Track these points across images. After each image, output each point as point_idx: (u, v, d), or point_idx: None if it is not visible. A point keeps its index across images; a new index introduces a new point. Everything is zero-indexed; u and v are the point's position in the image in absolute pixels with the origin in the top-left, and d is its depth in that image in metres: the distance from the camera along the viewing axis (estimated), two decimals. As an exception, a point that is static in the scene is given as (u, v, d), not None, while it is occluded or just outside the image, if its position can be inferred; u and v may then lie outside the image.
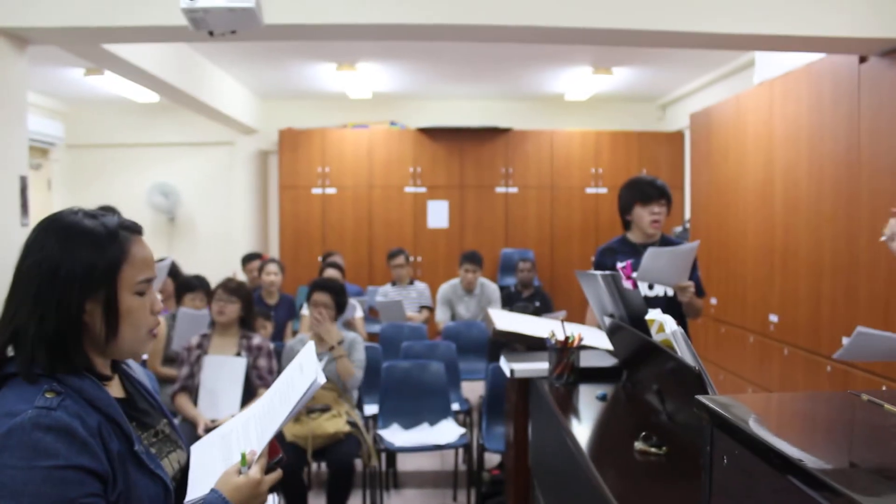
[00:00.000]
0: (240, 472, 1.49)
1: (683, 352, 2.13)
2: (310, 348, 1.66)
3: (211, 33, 3.61)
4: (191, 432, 3.81)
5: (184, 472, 1.60)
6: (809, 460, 1.15)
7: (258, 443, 1.54)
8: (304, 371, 1.60)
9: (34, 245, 1.40)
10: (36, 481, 1.25)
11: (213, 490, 1.48)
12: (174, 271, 5.17)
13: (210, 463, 1.59)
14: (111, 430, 1.36)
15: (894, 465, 1.22)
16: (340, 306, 4.43)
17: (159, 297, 1.57)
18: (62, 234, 1.40)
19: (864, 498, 0.98)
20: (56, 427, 1.29)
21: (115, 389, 1.49)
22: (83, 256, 1.38)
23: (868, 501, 0.98)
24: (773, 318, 5.13)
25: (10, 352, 1.39)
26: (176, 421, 1.82)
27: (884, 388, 3.95)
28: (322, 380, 1.54)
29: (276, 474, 1.55)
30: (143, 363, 4.68)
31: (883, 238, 2.92)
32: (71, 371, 1.37)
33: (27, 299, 1.37)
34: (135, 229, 1.48)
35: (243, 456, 1.50)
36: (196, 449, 1.66)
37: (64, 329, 1.37)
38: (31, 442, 1.26)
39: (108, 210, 1.68)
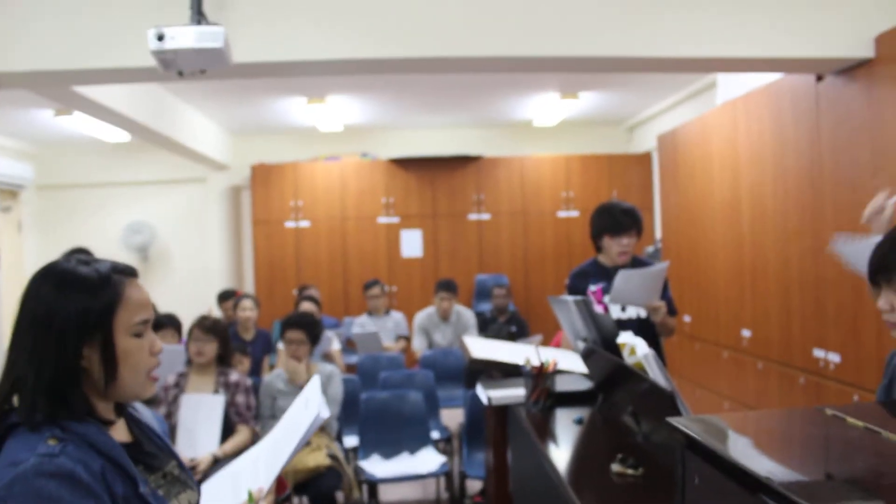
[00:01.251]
0: None
1: (656, 374, 2.18)
2: (315, 383, 1.69)
3: (180, 74, 3.63)
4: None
5: None
6: (777, 476, 1.18)
7: (266, 479, 1.56)
8: (308, 405, 1.63)
9: (29, 295, 1.43)
10: None
11: None
12: None
13: (221, 501, 1.60)
14: (115, 474, 1.37)
15: (856, 476, 1.25)
16: (315, 339, 4.46)
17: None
18: (56, 282, 1.42)
19: None
20: (59, 473, 1.29)
21: (121, 433, 1.50)
22: (76, 302, 1.40)
23: None
24: (746, 333, 5.20)
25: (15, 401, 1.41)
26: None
27: (855, 397, 4.02)
28: (325, 414, 1.57)
29: None
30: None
31: (864, 220, 2.93)
32: (73, 417, 1.38)
33: (25, 349, 1.39)
34: (129, 272, 1.50)
35: (250, 494, 1.52)
36: (207, 487, 1.67)
37: (62, 376, 1.38)
38: (35, 489, 1.27)
39: (80, 251, 1.70)
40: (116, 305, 1.44)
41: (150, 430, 1.60)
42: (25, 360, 1.38)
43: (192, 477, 1.64)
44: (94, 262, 1.48)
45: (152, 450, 1.56)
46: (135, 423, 1.58)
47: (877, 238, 2.22)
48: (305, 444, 4.03)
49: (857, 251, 2.51)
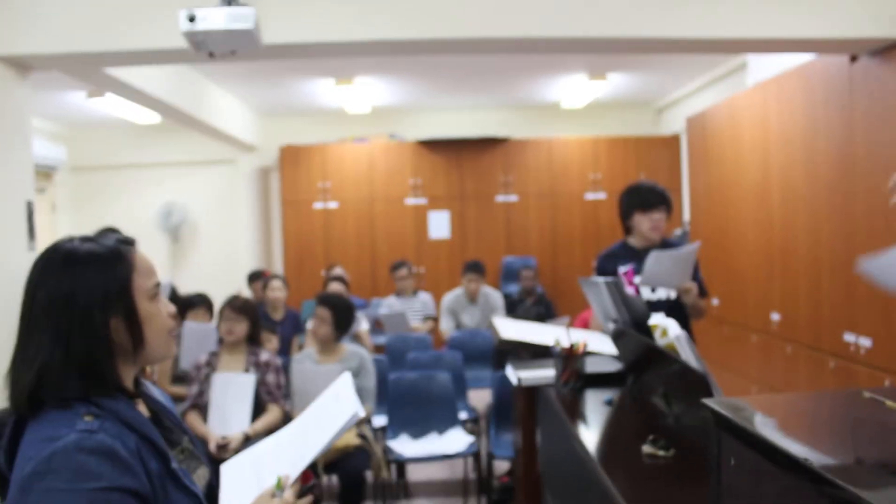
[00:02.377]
0: (274, 496, 1.50)
1: (688, 355, 2.17)
2: (346, 378, 1.68)
3: (211, 55, 3.65)
4: (202, 450, 3.84)
5: (209, 488, 1.61)
6: (814, 458, 1.17)
7: (293, 468, 1.55)
8: (340, 400, 1.62)
9: (39, 280, 1.43)
10: (80, 503, 1.27)
11: None
12: (172, 293, 5.20)
13: (242, 483, 1.60)
14: (148, 450, 1.39)
15: (885, 457, 1.25)
16: (344, 324, 4.47)
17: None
18: (67, 263, 1.42)
19: (867, 493, 1.01)
20: (99, 450, 1.31)
21: (143, 409, 1.52)
22: (95, 278, 1.41)
23: (871, 496, 1.01)
24: (775, 316, 5.17)
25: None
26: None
27: (886, 382, 3.99)
28: (362, 413, 1.56)
29: (308, 500, 1.56)
30: (154, 382, 4.72)
31: (892, 185, 2.87)
32: (106, 392, 1.39)
33: (47, 333, 1.38)
34: (131, 242, 1.52)
35: (279, 480, 1.51)
36: (226, 468, 1.68)
37: (95, 352, 1.39)
38: (76, 465, 1.28)
39: (109, 231, 1.72)
40: (132, 274, 1.46)
41: (161, 406, 1.61)
42: (49, 343, 1.37)
43: (204, 453, 1.66)
44: (97, 238, 1.49)
45: (169, 424, 1.58)
46: (148, 399, 1.59)
47: None
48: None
49: (884, 267, 2.45)
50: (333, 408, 1.62)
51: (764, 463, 1.22)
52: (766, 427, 1.33)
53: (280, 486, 1.51)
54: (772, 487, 1.23)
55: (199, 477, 1.57)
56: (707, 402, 1.41)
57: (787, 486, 1.17)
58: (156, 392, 1.64)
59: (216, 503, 1.60)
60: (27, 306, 1.42)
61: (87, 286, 1.40)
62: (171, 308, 1.55)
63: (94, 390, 1.38)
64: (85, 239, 1.48)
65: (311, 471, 1.59)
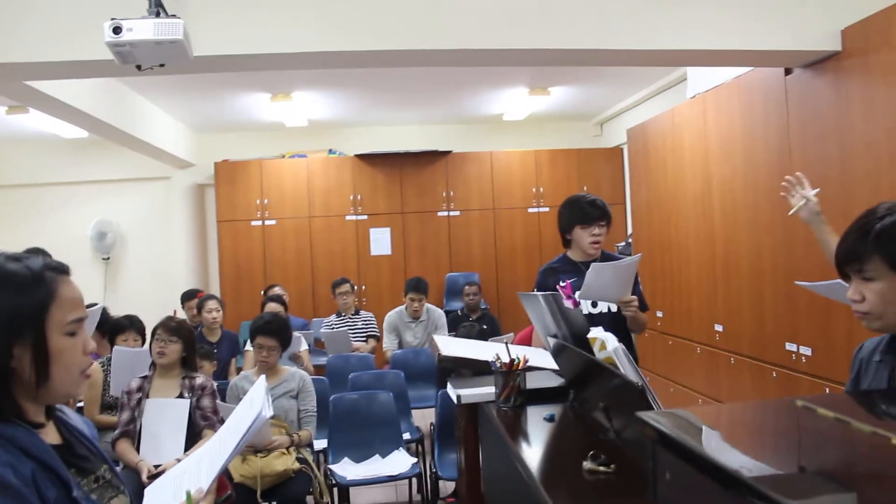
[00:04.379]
0: None
1: (626, 368, 2.12)
2: (260, 383, 1.65)
3: (139, 67, 3.54)
4: (136, 480, 3.67)
5: None
6: (748, 469, 1.17)
7: (205, 480, 1.52)
8: (252, 405, 1.59)
9: None
10: None
11: None
12: (103, 315, 4.99)
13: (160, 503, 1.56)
14: (46, 478, 1.31)
15: (828, 468, 1.23)
16: (285, 343, 4.39)
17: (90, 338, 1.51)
18: None
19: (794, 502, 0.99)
20: None
21: (51, 436, 1.44)
22: (6, 300, 1.34)
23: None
24: (719, 327, 5.19)
25: None
26: (118, 468, 1.75)
27: (826, 391, 4.01)
28: (268, 413, 1.54)
29: None
30: (80, 410, 4.52)
31: (791, 212, 3.13)
32: (0, 419, 1.32)
33: None
34: (62, 269, 1.44)
35: (188, 495, 1.47)
36: (150, 491, 1.64)
37: None
38: None
39: (36, 252, 1.62)
40: (49, 304, 1.38)
41: (79, 433, 1.54)
42: None
43: (123, 482, 1.58)
44: (25, 259, 1.41)
45: (83, 452, 1.50)
46: (64, 426, 1.52)
47: (833, 282, 2.37)
48: (273, 448, 4.00)
49: (826, 289, 2.83)
50: (245, 413, 1.59)
51: (698, 476, 1.19)
52: (699, 439, 1.30)
53: (190, 501, 1.47)
54: (707, 500, 1.21)
55: None
56: (641, 414, 1.37)
57: (722, 498, 1.15)
58: (74, 418, 1.57)
59: None
60: None
61: None
62: (91, 345, 1.47)
63: None
64: (11, 257, 1.40)
65: (228, 480, 1.55)
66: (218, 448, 1.59)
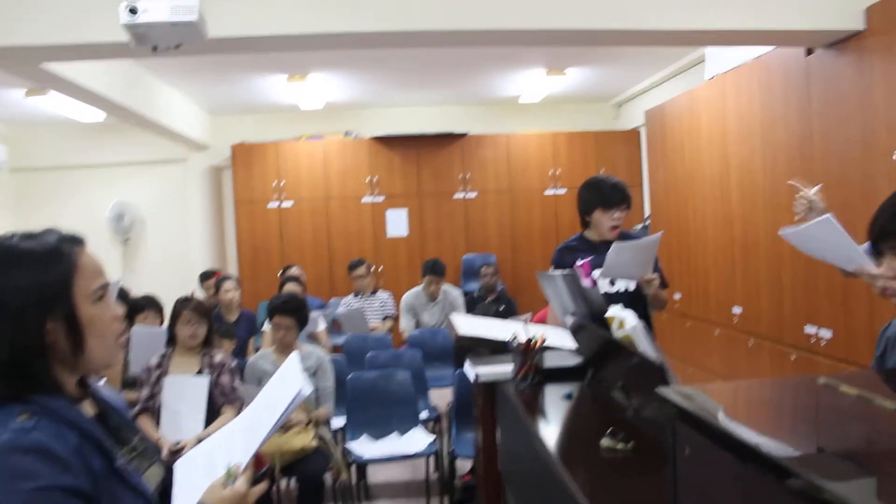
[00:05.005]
0: (225, 486, 1.48)
1: (645, 346, 2.12)
2: (293, 359, 1.65)
3: (154, 49, 3.55)
4: (155, 449, 3.71)
5: (163, 487, 1.57)
6: (769, 446, 1.16)
7: (243, 455, 1.53)
8: (287, 381, 1.60)
9: None
10: None
11: (198, 503, 1.46)
12: (122, 294, 5.03)
13: (194, 478, 1.57)
14: (91, 449, 1.33)
15: (850, 447, 1.22)
16: (302, 322, 4.42)
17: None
18: (2, 261, 1.36)
19: (822, 480, 0.98)
20: (35, 448, 1.25)
21: (88, 409, 1.46)
22: (30, 279, 1.34)
23: (830, 485, 0.97)
24: (737, 309, 5.17)
25: None
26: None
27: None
28: (308, 389, 1.54)
29: (262, 486, 1.55)
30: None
31: (798, 217, 2.99)
32: (40, 393, 1.34)
33: None
34: (77, 241, 1.45)
35: (229, 469, 1.48)
36: (180, 465, 1.64)
37: (26, 355, 1.33)
38: (10, 465, 1.23)
39: (50, 230, 1.63)
40: (73, 274, 1.39)
41: (111, 404, 1.56)
42: None
43: (157, 452, 1.61)
44: (39, 236, 1.42)
45: (118, 423, 1.52)
46: (96, 398, 1.53)
47: (816, 223, 2.24)
48: (292, 425, 4.03)
49: (802, 238, 2.69)
50: (280, 389, 1.60)
51: (718, 450, 1.19)
52: (719, 414, 1.29)
53: (231, 475, 1.48)
54: (727, 475, 1.20)
55: (152, 476, 1.53)
56: (661, 390, 1.36)
57: (742, 473, 1.15)
58: (106, 391, 1.59)
59: (170, 501, 1.56)
60: None
61: (20, 286, 1.34)
62: (118, 310, 1.50)
63: (26, 390, 1.33)
64: (25, 236, 1.41)
65: (264, 457, 1.57)
66: (253, 424, 1.59)
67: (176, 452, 3.69)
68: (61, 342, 1.37)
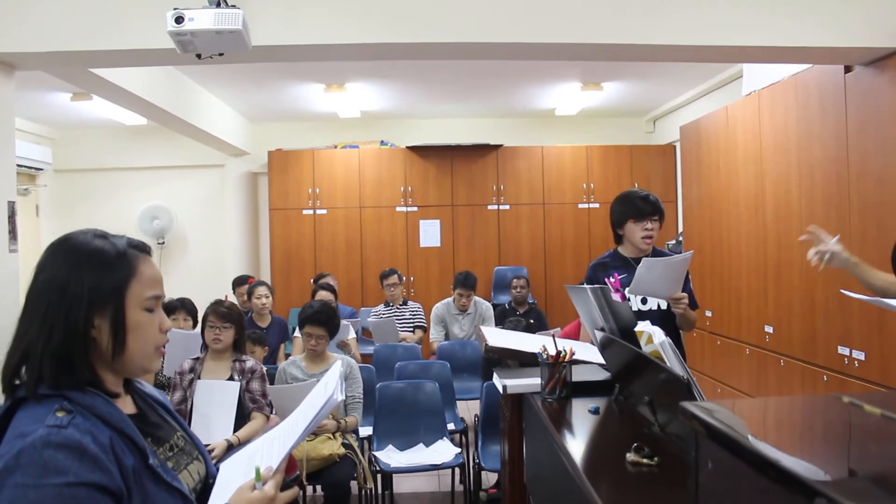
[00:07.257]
0: (254, 488, 1.50)
1: (672, 362, 2.12)
2: (336, 368, 1.68)
3: (198, 56, 3.62)
4: (199, 444, 3.77)
5: (205, 482, 1.62)
6: (792, 463, 1.15)
7: (275, 458, 1.55)
8: (326, 388, 1.63)
9: (45, 265, 1.45)
10: (47, 499, 1.25)
11: None
12: None
13: (233, 479, 1.60)
14: (124, 446, 1.38)
15: (877, 470, 1.21)
16: (333, 331, 4.47)
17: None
18: (72, 253, 1.45)
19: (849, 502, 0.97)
20: (66, 444, 1.30)
21: (127, 406, 1.52)
22: (91, 276, 1.42)
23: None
24: (769, 329, 5.11)
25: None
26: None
27: (879, 396, 3.93)
28: (340, 397, 1.57)
29: (293, 492, 1.57)
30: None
31: (822, 267, 3.08)
32: (77, 386, 1.39)
33: (37, 317, 1.41)
34: (143, 248, 1.54)
35: (257, 471, 1.51)
36: (225, 465, 1.68)
37: (71, 344, 1.40)
38: (42, 460, 1.27)
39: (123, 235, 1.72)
40: (130, 279, 1.47)
41: (154, 401, 1.62)
42: (37, 327, 1.40)
43: (200, 447, 1.66)
44: (111, 237, 1.51)
45: (157, 421, 1.57)
46: (139, 396, 1.60)
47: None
48: (323, 431, 4.07)
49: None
50: (317, 396, 1.63)
51: (741, 466, 1.19)
52: (743, 430, 1.29)
53: (259, 478, 1.50)
54: (749, 491, 1.20)
55: (193, 472, 1.58)
56: (685, 404, 1.37)
57: (764, 489, 1.14)
58: (149, 388, 1.65)
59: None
60: (29, 288, 1.46)
61: (81, 280, 1.42)
62: (167, 324, 1.55)
63: (66, 382, 1.38)
64: (98, 234, 1.51)
65: (297, 462, 1.58)
66: (290, 429, 1.62)
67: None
68: (104, 339, 1.44)
